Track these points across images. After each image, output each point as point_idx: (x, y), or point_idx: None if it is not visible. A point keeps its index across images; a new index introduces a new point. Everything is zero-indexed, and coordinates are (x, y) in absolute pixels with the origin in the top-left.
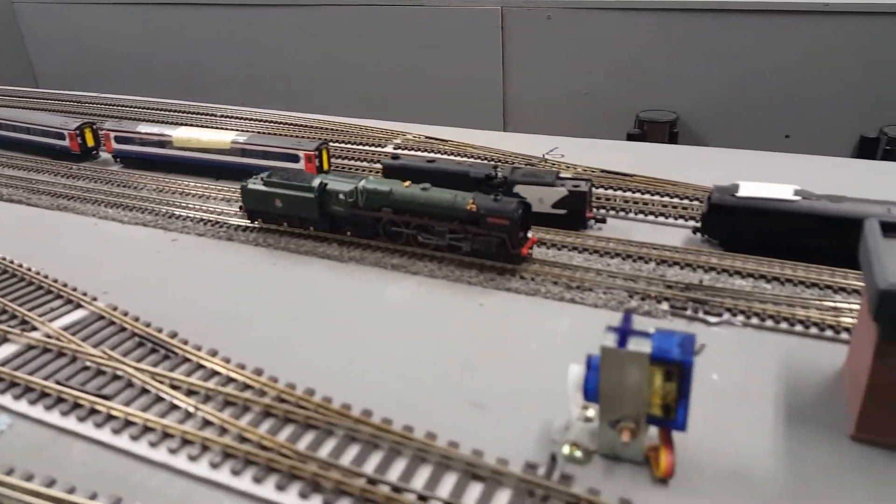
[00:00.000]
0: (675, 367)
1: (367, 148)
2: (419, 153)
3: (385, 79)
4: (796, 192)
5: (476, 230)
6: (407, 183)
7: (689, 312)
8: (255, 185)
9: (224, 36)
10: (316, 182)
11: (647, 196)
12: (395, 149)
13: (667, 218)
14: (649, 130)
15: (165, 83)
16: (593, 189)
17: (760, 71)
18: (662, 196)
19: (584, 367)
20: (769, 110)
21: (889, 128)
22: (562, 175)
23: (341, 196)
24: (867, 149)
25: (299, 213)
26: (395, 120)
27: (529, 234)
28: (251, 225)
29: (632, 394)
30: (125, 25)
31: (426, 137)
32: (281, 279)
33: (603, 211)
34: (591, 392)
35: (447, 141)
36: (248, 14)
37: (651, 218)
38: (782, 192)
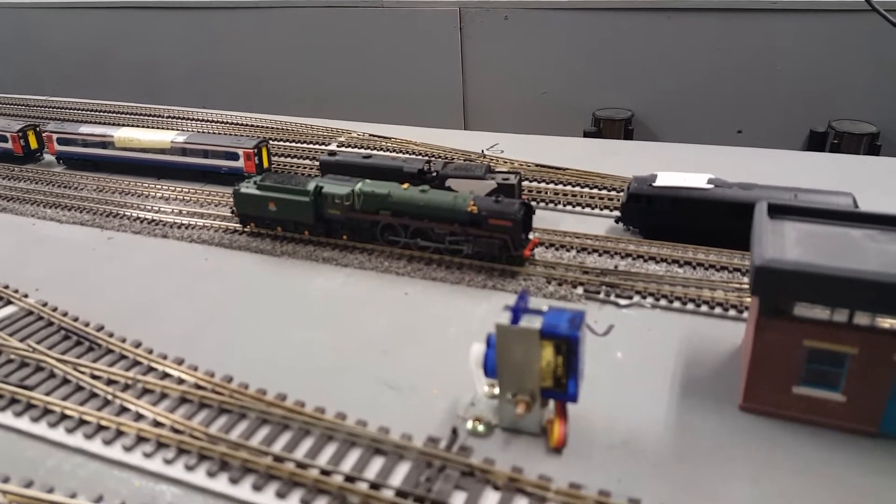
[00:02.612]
0: (564, 342)
1: (309, 146)
2: (361, 150)
3: (345, 80)
4: (710, 181)
5: (477, 232)
6: (405, 185)
7: (601, 296)
8: (248, 188)
9: (179, 38)
10: (311, 185)
11: (576, 189)
12: (337, 146)
13: (593, 209)
14: (605, 128)
15: (119, 85)
16: (523, 182)
17: (713, 68)
18: (592, 188)
19: (485, 345)
20: (722, 106)
21: (837, 122)
22: (494, 169)
23: (337, 199)
24: (816, 142)
25: (294, 218)
26: (355, 120)
27: (531, 236)
28: (186, 222)
29: (525, 368)
30: (78, 29)
31: (370, 135)
32: (211, 274)
33: (533, 203)
34: (490, 368)
35: (390, 138)
36: (205, 16)
37: (578, 209)
38: (697, 180)
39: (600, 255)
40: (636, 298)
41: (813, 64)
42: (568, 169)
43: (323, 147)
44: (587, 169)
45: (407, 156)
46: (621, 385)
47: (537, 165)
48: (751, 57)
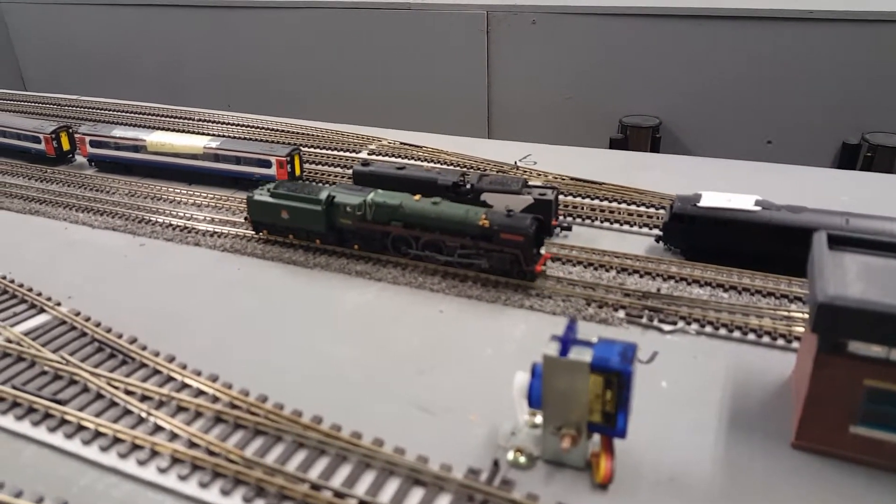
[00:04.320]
0: (615, 376)
1: (340, 153)
2: (393, 159)
3: (369, 83)
4: (757, 203)
5: (488, 246)
6: (417, 196)
7: (644, 320)
8: (262, 196)
9: (207, 38)
10: (324, 194)
11: (613, 204)
12: (368, 154)
13: (632, 226)
14: (632, 135)
15: (147, 85)
16: (560, 197)
17: (743, 76)
18: (629, 204)
19: (529, 374)
20: (751, 116)
21: (871, 134)
22: (529, 183)
23: (349, 209)
24: (849, 155)
25: (306, 226)
26: (379, 124)
27: (542, 251)
28: (218, 230)
29: (573, 401)
30: (109, 26)
31: (401, 143)
32: (243, 284)
33: (569, 219)
34: (534, 399)
35: (421, 147)
36: (232, 16)
37: (616, 226)
38: (743, 202)
39: (641, 276)
40: (680, 324)
41: (846, 74)
42: (604, 183)
43: (353, 155)
44: (622, 183)
45: (441, 167)
46: (667, 416)
47: (572, 179)
48: (782, 66)
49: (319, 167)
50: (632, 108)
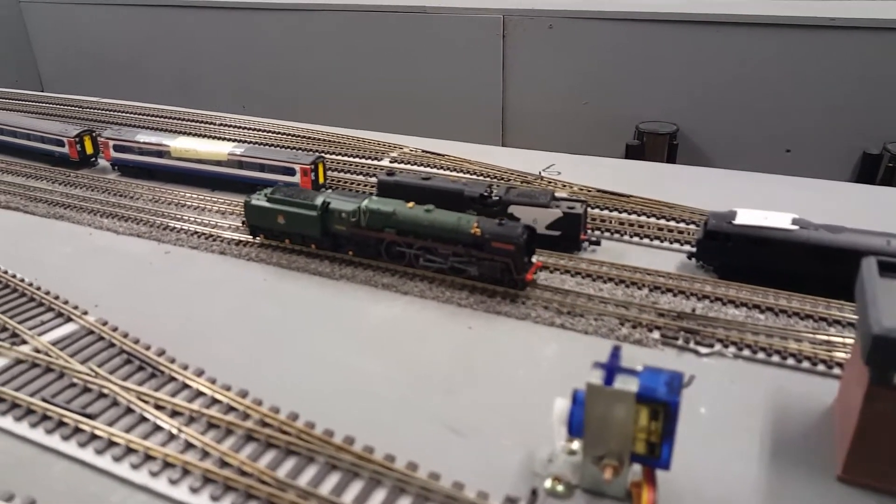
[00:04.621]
0: (662, 407)
1: (362, 161)
2: (415, 167)
3: (384, 86)
4: (794, 221)
5: (480, 254)
6: (410, 204)
7: (680, 342)
8: (259, 200)
9: (223, 40)
10: (319, 200)
11: (642, 218)
12: (391, 162)
13: (662, 241)
14: (649, 142)
15: (163, 87)
16: (588, 210)
17: (762, 84)
18: (658, 218)
19: (570, 401)
20: (770, 123)
21: (892, 144)
22: (557, 195)
23: (344, 215)
24: (869, 165)
25: (301, 231)
26: (392, 128)
27: (534, 259)
28: (244, 239)
29: (616, 431)
30: (126, 27)
31: (423, 151)
32: (270, 296)
33: (598, 233)
34: (575, 427)
35: (444, 156)
36: (247, 18)
37: (646, 241)
38: (780, 220)
39: (675, 295)
40: (717, 347)
41: (868, 82)
42: (632, 196)
43: (375, 162)
44: (648, 195)
45: (466, 177)
46: (707, 444)
47: (598, 191)
48: (802, 73)
49: (341, 174)
50: (648, 114)
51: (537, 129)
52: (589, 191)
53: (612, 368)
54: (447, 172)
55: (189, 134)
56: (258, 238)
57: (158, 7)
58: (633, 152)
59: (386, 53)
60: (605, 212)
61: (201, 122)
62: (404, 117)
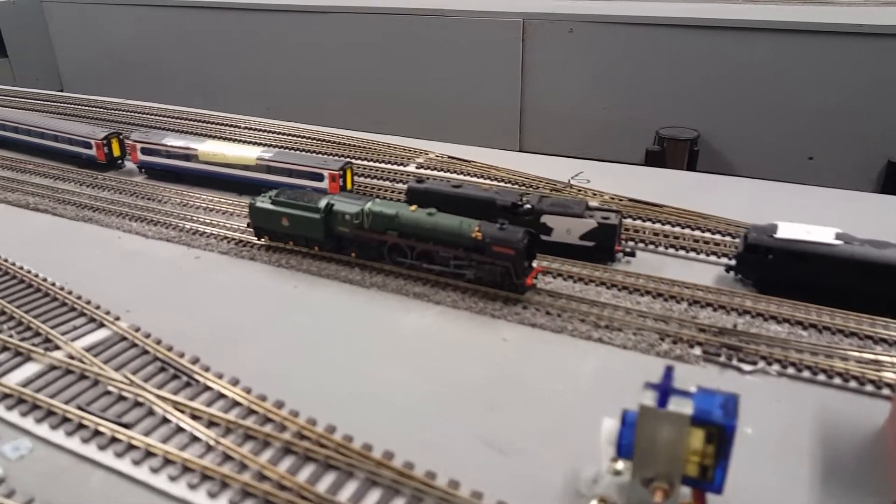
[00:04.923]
0: (717, 430)
1: (388, 166)
2: (441, 173)
3: (401, 89)
4: (838, 236)
5: (481, 258)
6: (413, 207)
7: (722, 359)
8: (264, 203)
9: (245, 42)
10: (323, 203)
11: (676, 229)
12: (417, 168)
13: (698, 254)
14: (669, 148)
15: (183, 87)
16: (623, 220)
17: (785, 90)
18: (693, 229)
19: (619, 421)
20: (792, 131)
21: None
22: (591, 205)
23: (347, 217)
24: (894, 174)
25: (305, 233)
26: (410, 130)
27: (534, 264)
28: (274, 245)
29: (668, 454)
30: (148, 28)
31: (449, 157)
32: (300, 302)
33: (631, 244)
34: (624, 449)
35: (470, 162)
36: (267, 19)
37: (682, 253)
38: (823, 235)
39: (714, 309)
40: (761, 364)
41: (892, 89)
42: (665, 206)
43: (400, 168)
44: (680, 205)
45: (497, 184)
46: (756, 466)
47: (630, 200)
48: (826, 80)
49: (367, 180)
50: (669, 119)
51: (555, 132)
52: (620, 200)
53: (665, 390)
54: (475, 179)
55: (214, 137)
56: (263, 239)
57: (178, 8)
58: (653, 158)
59: (404, 56)
60: (638, 222)
61: (225, 124)
62: (422, 120)
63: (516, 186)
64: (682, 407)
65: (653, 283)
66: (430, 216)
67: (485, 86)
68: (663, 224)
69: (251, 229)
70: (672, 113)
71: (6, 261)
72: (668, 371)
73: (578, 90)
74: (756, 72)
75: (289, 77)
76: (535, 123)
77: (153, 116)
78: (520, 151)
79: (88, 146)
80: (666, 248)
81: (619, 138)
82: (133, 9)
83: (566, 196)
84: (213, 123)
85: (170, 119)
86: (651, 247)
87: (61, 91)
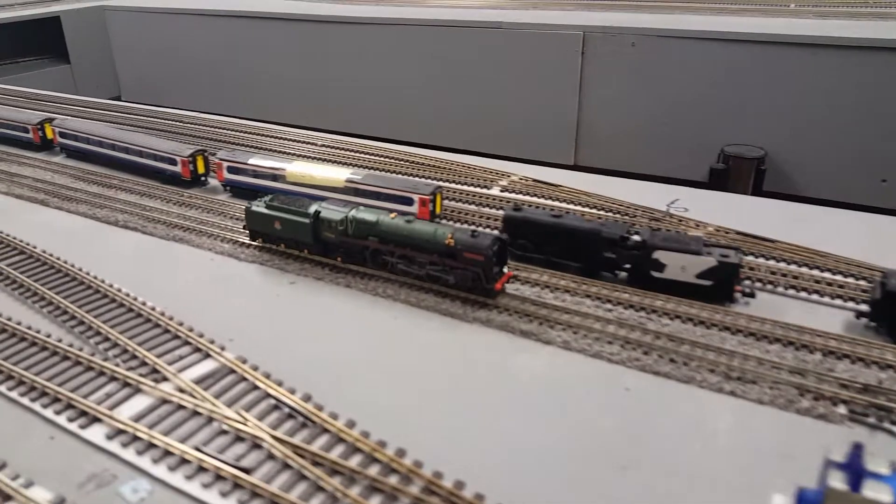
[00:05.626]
0: None
1: (471, 188)
2: (526, 197)
3: (458, 101)
4: None
5: (454, 263)
6: (393, 214)
7: (871, 420)
8: (259, 207)
9: (298, 53)
10: (312, 209)
11: (793, 267)
12: (501, 191)
13: (821, 296)
14: (734, 166)
15: (239, 97)
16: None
17: (857, 110)
18: (811, 268)
19: (794, 500)
20: (865, 152)
21: None
22: (707, 242)
23: (332, 223)
24: None
25: (295, 237)
26: (465, 143)
27: (505, 270)
28: (370, 272)
29: None
30: (207, 38)
31: (533, 180)
32: (404, 337)
33: (748, 282)
34: None
35: (558, 186)
36: (332, 31)
37: (803, 294)
38: None
39: (853, 362)
40: None
41: None
42: (777, 241)
43: (484, 191)
44: (792, 240)
45: (597, 213)
46: None
47: (738, 233)
48: None
49: (452, 203)
50: (734, 137)
51: (613, 147)
52: (727, 232)
53: (858, 471)
54: (565, 205)
55: (292, 154)
56: (257, 241)
57: (237, 18)
58: (716, 176)
59: (461, 69)
60: (750, 258)
61: (298, 140)
62: (478, 133)
63: (610, 214)
64: (879, 493)
65: (780, 328)
66: (408, 223)
67: (542, 99)
68: (777, 261)
69: (246, 232)
70: (737, 130)
71: (104, 282)
72: (858, 449)
73: (639, 105)
74: (827, 89)
75: (349, 89)
76: (592, 138)
77: (233, 132)
78: (574, 165)
79: (174, 163)
80: (786, 288)
81: (680, 155)
82: (193, 18)
83: (677, 230)
84: (294, 141)
85: (255, 136)
86: (770, 286)
87: (119, 99)
